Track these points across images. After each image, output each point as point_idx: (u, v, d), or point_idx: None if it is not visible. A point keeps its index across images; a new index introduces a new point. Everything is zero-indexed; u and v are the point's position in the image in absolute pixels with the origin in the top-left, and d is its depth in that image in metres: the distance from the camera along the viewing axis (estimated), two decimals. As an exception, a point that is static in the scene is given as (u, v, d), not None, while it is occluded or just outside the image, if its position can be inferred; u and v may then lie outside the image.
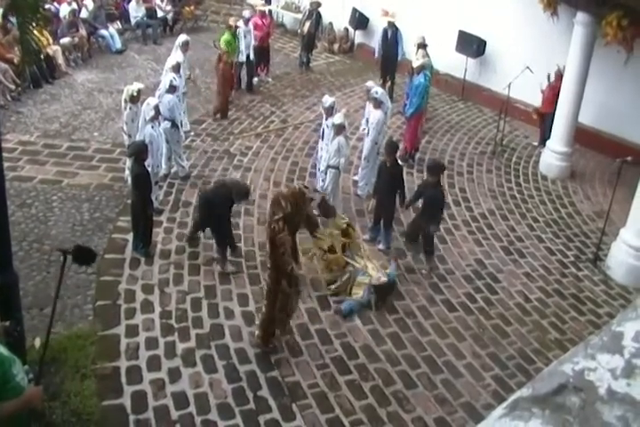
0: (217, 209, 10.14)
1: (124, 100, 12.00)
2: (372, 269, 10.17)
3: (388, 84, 17.41)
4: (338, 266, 10.33)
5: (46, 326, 6.10)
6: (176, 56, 14.37)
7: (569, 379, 1.29)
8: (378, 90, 13.03)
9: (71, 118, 15.11)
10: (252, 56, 17.31)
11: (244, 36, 16.75)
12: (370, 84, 13.97)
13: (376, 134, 12.60)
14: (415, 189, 11.48)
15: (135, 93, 11.74)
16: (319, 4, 19.80)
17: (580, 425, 1.19)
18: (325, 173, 12.07)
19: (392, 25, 17.42)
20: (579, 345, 1.41)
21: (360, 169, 12.96)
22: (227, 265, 10.37)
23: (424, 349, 9.26)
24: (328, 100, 12.68)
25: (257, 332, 8.86)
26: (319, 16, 20.00)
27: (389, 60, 17.70)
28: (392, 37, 17.53)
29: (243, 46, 16.68)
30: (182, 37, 14.90)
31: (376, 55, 18.22)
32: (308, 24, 19.67)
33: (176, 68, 13.17)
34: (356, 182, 13.03)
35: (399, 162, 11.61)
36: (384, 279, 10.05)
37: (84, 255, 5.69)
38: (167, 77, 12.85)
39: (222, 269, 10.32)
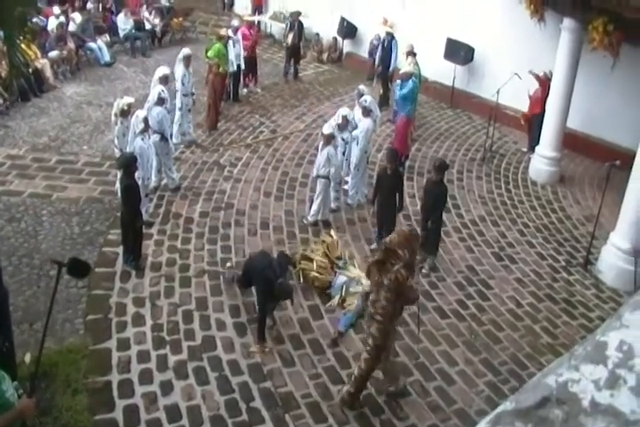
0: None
1: (115, 114, 11.96)
2: (364, 279, 10.17)
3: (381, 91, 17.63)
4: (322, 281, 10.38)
5: (37, 341, 6.06)
6: (178, 69, 14.52)
7: (552, 391, 1.27)
8: (367, 98, 13.06)
9: (60, 132, 15.08)
10: (242, 66, 17.33)
11: (233, 46, 16.76)
12: (362, 87, 14.00)
13: (365, 143, 12.63)
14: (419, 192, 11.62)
15: (126, 107, 11.72)
16: (299, 14, 20.02)
17: (562, 439, 1.18)
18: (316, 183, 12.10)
19: (389, 34, 17.65)
20: (563, 356, 1.39)
21: (350, 178, 12.96)
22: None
23: (416, 356, 9.23)
24: (341, 111, 12.66)
25: (346, 388, 8.15)
26: (301, 26, 20.11)
27: (385, 67, 17.86)
28: (387, 46, 17.73)
29: (232, 56, 16.68)
30: (185, 51, 14.82)
31: (376, 64, 18.44)
32: (290, 36, 19.79)
33: (164, 80, 13.12)
34: (346, 191, 13.02)
35: (399, 169, 11.68)
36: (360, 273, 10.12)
37: (78, 268, 5.66)
38: (155, 90, 12.80)
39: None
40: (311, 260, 10.42)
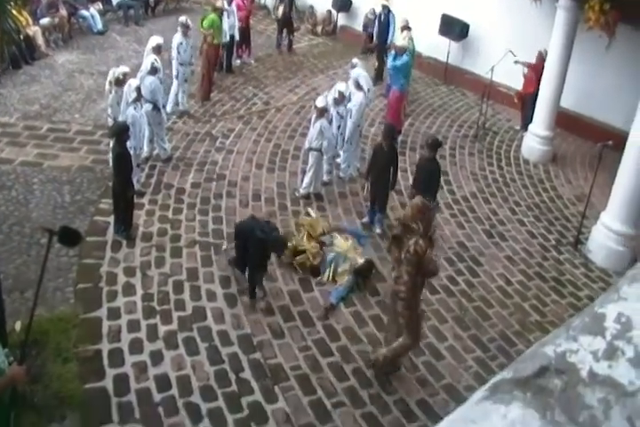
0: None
1: (109, 82, 11.85)
2: (351, 252, 10.22)
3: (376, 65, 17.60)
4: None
5: (28, 309, 6.06)
6: (175, 37, 14.41)
7: (551, 361, 1.29)
8: (358, 71, 12.99)
9: (52, 100, 14.96)
10: (236, 36, 17.19)
11: (228, 17, 16.60)
12: (355, 60, 13.93)
13: (358, 117, 12.61)
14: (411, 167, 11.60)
15: (121, 77, 11.61)
16: None
17: (561, 408, 1.19)
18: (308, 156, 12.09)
19: (385, 7, 17.57)
20: (560, 327, 1.41)
21: (342, 152, 12.94)
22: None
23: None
24: (338, 86, 12.56)
25: (383, 351, 8.21)
26: None
27: (381, 42, 17.83)
28: (384, 20, 17.66)
29: (227, 27, 16.53)
30: (182, 18, 14.65)
31: (373, 38, 18.36)
32: (281, 8, 19.64)
33: (157, 50, 13.00)
34: (338, 165, 13.01)
35: (395, 145, 11.65)
36: (361, 260, 10.16)
37: (70, 236, 5.64)
38: (148, 59, 12.68)
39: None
40: (303, 251, 10.36)
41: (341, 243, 10.45)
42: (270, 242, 9.03)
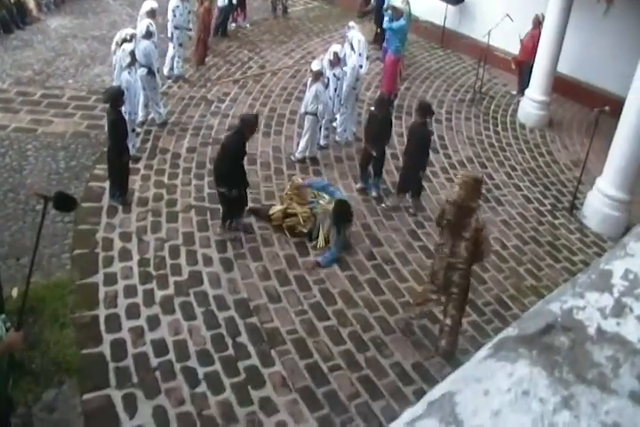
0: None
1: (116, 42, 11.75)
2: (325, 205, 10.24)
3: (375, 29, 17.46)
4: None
5: (24, 275, 6.06)
6: (172, 2, 14.22)
7: (557, 318, 1.26)
8: (355, 35, 12.87)
9: (45, 65, 14.80)
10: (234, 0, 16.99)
11: None
12: (351, 23, 13.81)
13: (353, 80, 12.50)
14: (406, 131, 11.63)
15: (128, 37, 11.49)
16: None
17: (569, 366, 1.17)
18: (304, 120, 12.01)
19: None
20: (566, 283, 1.38)
21: (338, 115, 12.85)
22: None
23: (402, 295, 9.32)
24: (333, 48, 12.40)
25: (443, 342, 8.22)
26: None
27: (379, 4, 17.60)
28: None
29: None
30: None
31: (371, 1, 18.26)
32: None
33: (150, 14, 12.82)
34: (334, 129, 12.94)
35: (390, 114, 11.53)
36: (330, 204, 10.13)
37: (65, 202, 5.61)
38: (143, 23, 12.54)
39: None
40: (294, 215, 10.27)
41: (324, 203, 10.35)
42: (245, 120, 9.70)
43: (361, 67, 12.86)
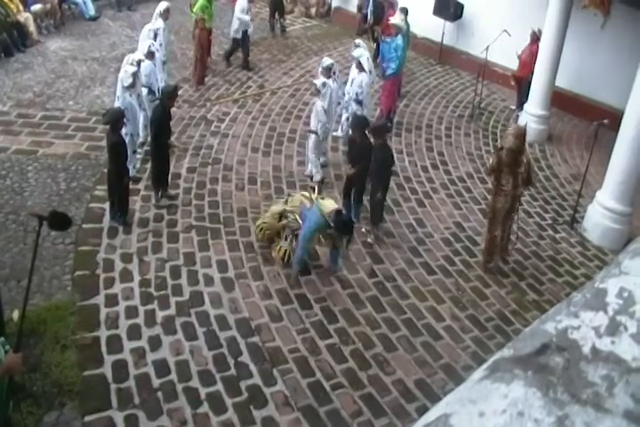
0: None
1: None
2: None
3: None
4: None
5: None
6: (156, 24, 14.18)
7: (552, 338, 1.26)
8: (362, 53, 12.85)
9: (45, 87, 14.86)
10: (250, 29, 16.76)
11: (246, 13, 16.31)
12: (358, 41, 13.83)
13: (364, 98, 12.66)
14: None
15: (135, 64, 11.54)
16: None
17: (564, 386, 1.17)
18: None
19: None
20: (561, 303, 1.38)
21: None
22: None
23: (404, 312, 9.30)
24: (326, 61, 12.44)
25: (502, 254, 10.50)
26: None
27: (377, 23, 17.74)
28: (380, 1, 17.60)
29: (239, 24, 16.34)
30: (163, 4, 14.50)
31: (368, 19, 18.29)
32: None
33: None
34: (337, 138, 12.99)
35: (367, 136, 10.94)
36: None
37: (59, 221, 5.62)
38: (145, 43, 12.67)
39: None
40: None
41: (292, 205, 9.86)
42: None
43: (372, 82, 12.95)
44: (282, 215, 9.86)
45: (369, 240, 10.75)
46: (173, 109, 13.93)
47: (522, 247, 11.17)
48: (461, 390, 1.28)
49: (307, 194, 9.87)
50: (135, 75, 11.26)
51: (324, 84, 11.64)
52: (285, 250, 9.77)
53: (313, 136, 11.79)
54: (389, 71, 14.03)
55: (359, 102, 12.69)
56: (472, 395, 1.22)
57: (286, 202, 10.01)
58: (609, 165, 11.42)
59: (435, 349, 8.69)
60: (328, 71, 11.76)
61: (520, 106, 15.57)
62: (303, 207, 9.55)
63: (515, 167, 9.66)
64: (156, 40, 13.90)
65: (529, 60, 15.07)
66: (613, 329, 1.25)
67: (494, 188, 10.14)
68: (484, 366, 1.31)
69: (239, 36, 16.43)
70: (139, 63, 11.57)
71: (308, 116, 12.46)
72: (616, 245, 11.23)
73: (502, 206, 9.95)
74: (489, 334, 9.09)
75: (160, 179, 11.00)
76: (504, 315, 9.54)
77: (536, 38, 14.86)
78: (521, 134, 9.66)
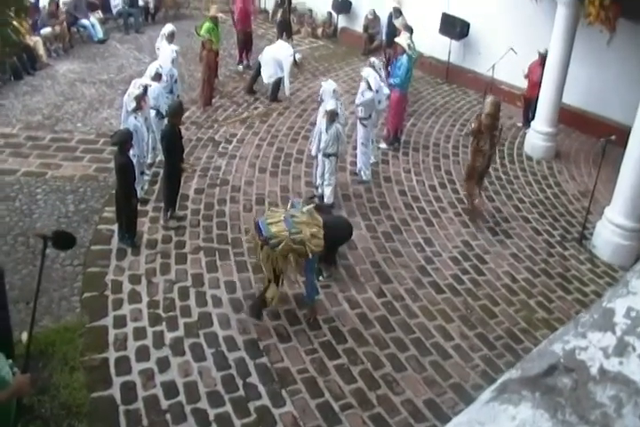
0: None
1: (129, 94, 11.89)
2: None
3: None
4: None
5: (34, 319, 6.04)
6: (162, 46, 14.40)
7: (559, 359, 1.25)
8: (370, 72, 12.84)
9: (54, 110, 14.96)
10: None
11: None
12: (372, 59, 13.83)
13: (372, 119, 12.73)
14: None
15: (142, 89, 11.61)
16: None
17: (572, 407, 1.16)
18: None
19: (397, 10, 17.45)
20: (569, 323, 1.37)
21: (358, 153, 12.96)
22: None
23: (412, 331, 9.26)
24: (330, 84, 12.40)
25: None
26: (290, 1, 19.99)
27: (390, 43, 17.76)
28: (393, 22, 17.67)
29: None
30: (168, 28, 14.65)
31: (383, 38, 18.42)
32: (280, 12, 19.71)
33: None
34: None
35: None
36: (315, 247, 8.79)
37: (63, 240, 5.64)
38: (152, 66, 12.79)
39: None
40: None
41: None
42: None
43: (379, 102, 12.94)
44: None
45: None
46: (181, 131, 14.06)
47: (531, 265, 11.13)
48: (469, 411, 1.27)
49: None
50: (139, 98, 11.30)
51: (336, 113, 11.58)
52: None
53: (333, 159, 11.73)
54: (392, 81, 14.02)
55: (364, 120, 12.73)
56: (480, 416, 1.21)
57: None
58: (617, 181, 11.39)
59: (444, 368, 8.64)
60: (334, 115, 11.62)
61: (527, 122, 15.61)
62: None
63: (493, 130, 11.73)
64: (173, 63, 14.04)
65: (535, 79, 15.10)
66: (621, 349, 1.24)
67: (473, 149, 12.09)
68: (492, 387, 1.30)
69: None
70: (145, 88, 11.62)
71: (315, 136, 12.42)
72: (626, 261, 11.18)
73: (480, 165, 11.92)
74: (498, 353, 9.04)
75: (170, 199, 11.00)
76: (513, 333, 9.48)
77: (542, 58, 14.87)
78: (496, 102, 11.79)
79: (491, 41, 17.01)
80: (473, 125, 12.10)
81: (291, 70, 16.25)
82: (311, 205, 9.33)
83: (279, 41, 17.18)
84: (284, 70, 15.93)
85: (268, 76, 16.11)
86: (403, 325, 9.36)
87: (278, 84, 16.27)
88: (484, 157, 11.86)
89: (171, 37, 14.27)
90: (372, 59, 13.94)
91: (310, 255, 8.69)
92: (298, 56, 16.54)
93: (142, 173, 11.44)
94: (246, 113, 15.65)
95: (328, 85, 12.31)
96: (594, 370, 1.21)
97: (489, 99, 12.14)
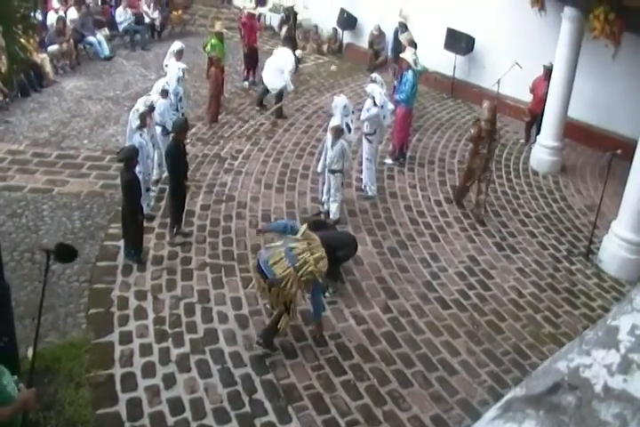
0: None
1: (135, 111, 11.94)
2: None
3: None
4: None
5: (40, 336, 6.05)
6: (171, 63, 14.51)
7: (564, 377, 1.24)
8: (374, 88, 12.87)
9: (60, 126, 15.04)
10: (290, 87, 16.54)
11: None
12: (374, 75, 13.86)
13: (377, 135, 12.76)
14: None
15: (148, 107, 11.66)
16: (292, 7, 20.13)
17: (576, 426, 1.15)
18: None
19: (402, 25, 17.53)
20: (574, 341, 1.37)
21: (364, 169, 12.99)
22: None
23: (419, 347, 9.22)
24: (342, 100, 12.54)
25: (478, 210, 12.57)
26: (295, 17, 20.13)
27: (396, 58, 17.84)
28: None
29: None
30: (177, 45, 14.75)
31: (389, 54, 18.42)
32: (285, 28, 19.84)
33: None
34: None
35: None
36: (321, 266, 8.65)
37: (64, 253, 5.68)
38: (159, 82, 12.92)
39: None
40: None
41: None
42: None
43: (384, 118, 12.97)
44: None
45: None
46: (187, 147, 14.09)
47: (537, 280, 11.10)
48: (474, 429, 1.26)
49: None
50: (143, 116, 11.35)
51: (341, 129, 11.64)
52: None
53: (339, 175, 11.75)
54: (397, 97, 14.06)
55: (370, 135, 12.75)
56: (484, 435, 1.20)
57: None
58: (624, 195, 11.37)
59: (450, 384, 8.59)
60: (339, 132, 11.61)
61: (528, 139, 15.71)
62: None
63: (492, 134, 12.18)
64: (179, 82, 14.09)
65: (540, 93, 15.12)
66: (625, 367, 1.23)
67: (472, 152, 12.58)
68: (497, 405, 1.30)
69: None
70: (151, 107, 11.68)
71: (321, 153, 12.46)
72: (633, 275, 11.14)
73: (477, 166, 12.39)
74: (505, 369, 8.99)
75: (176, 215, 11.02)
76: (520, 349, 9.43)
77: (547, 73, 14.90)
78: (493, 107, 12.26)
79: (496, 56, 17.06)
80: (472, 131, 12.37)
81: (293, 69, 16.50)
82: (304, 226, 8.96)
83: (280, 48, 17.21)
84: (285, 71, 16.12)
85: (271, 86, 16.35)
86: (409, 340, 9.33)
87: (281, 97, 16.33)
88: (482, 160, 12.26)
89: (179, 55, 14.38)
90: (374, 75, 13.99)
91: (320, 279, 8.73)
92: (298, 52, 16.68)
93: (148, 189, 11.46)
94: (252, 129, 15.67)
95: (340, 100, 12.37)
96: (598, 388, 1.21)
97: (485, 104, 12.48)
